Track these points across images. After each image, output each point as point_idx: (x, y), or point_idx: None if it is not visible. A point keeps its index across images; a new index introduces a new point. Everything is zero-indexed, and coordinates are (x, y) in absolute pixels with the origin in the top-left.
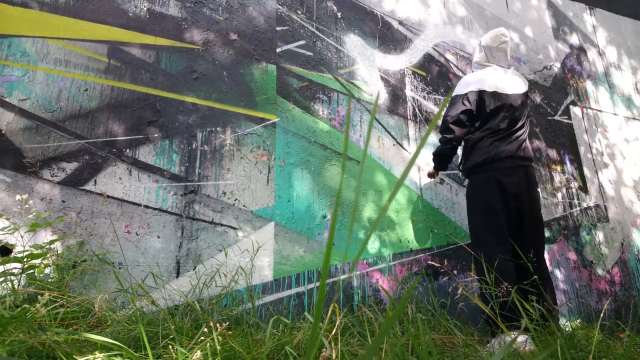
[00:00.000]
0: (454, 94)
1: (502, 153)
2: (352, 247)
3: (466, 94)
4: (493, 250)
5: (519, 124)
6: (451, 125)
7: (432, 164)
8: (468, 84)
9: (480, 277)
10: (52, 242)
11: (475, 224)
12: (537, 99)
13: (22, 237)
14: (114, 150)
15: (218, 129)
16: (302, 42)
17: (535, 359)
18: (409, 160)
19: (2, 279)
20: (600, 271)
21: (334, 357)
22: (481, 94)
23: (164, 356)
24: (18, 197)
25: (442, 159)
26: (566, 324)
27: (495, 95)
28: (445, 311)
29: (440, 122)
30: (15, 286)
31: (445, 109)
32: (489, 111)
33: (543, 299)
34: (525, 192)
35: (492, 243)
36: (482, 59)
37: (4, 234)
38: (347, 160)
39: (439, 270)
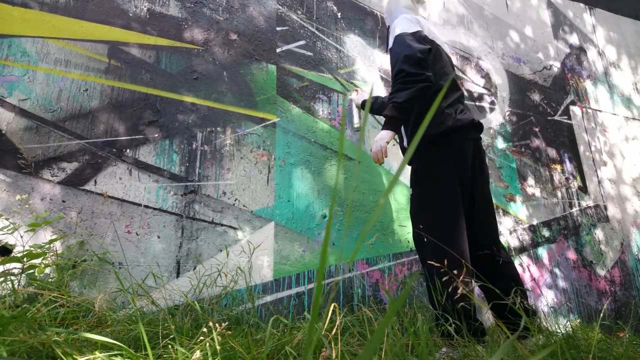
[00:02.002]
0: (398, 31)
1: (457, 122)
2: (351, 247)
3: (418, 32)
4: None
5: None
6: (422, 62)
7: (390, 126)
8: (411, 21)
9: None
10: (51, 241)
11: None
12: (537, 99)
13: (21, 237)
14: (114, 150)
15: (218, 129)
16: (302, 42)
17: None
18: (404, 156)
19: (1, 279)
20: (600, 271)
21: (333, 357)
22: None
23: (164, 356)
24: (18, 197)
25: (410, 106)
26: (567, 323)
27: (439, 50)
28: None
29: (396, 60)
30: (15, 286)
31: (397, 48)
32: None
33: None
34: (478, 170)
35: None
36: (409, 5)
37: (4, 234)
38: (347, 160)
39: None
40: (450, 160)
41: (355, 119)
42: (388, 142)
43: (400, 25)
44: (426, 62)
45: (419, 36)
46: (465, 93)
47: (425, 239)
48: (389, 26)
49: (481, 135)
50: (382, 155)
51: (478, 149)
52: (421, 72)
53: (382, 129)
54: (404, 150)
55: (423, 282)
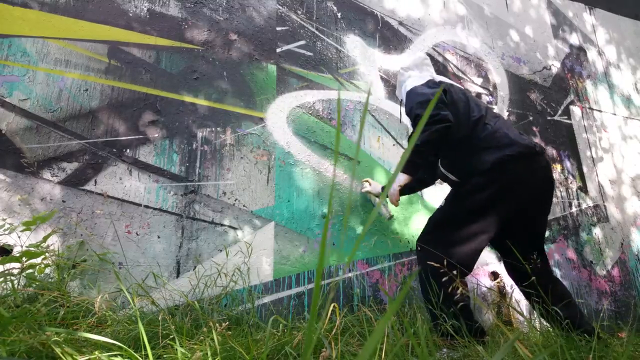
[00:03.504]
0: (409, 87)
1: (508, 151)
2: (351, 247)
3: (430, 80)
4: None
5: None
6: (436, 103)
7: (406, 170)
8: (420, 77)
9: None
10: (45, 238)
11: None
12: (537, 98)
13: (19, 237)
14: (114, 150)
15: (218, 129)
16: (302, 42)
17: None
18: (402, 155)
19: (1, 279)
20: (600, 271)
21: (333, 357)
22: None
23: (164, 356)
24: (18, 197)
25: (427, 149)
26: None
27: (456, 90)
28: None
29: (410, 109)
30: (15, 286)
31: (409, 100)
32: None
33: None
34: (531, 201)
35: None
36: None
37: (2, 234)
38: (346, 160)
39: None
40: (494, 187)
41: (384, 210)
42: (401, 186)
43: (411, 83)
44: (441, 103)
45: (431, 82)
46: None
47: (428, 246)
48: (401, 100)
49: (541, 160)
50: (396, 199)
51: (538, 178)
52: (436, 112)
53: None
54: (451, 183)
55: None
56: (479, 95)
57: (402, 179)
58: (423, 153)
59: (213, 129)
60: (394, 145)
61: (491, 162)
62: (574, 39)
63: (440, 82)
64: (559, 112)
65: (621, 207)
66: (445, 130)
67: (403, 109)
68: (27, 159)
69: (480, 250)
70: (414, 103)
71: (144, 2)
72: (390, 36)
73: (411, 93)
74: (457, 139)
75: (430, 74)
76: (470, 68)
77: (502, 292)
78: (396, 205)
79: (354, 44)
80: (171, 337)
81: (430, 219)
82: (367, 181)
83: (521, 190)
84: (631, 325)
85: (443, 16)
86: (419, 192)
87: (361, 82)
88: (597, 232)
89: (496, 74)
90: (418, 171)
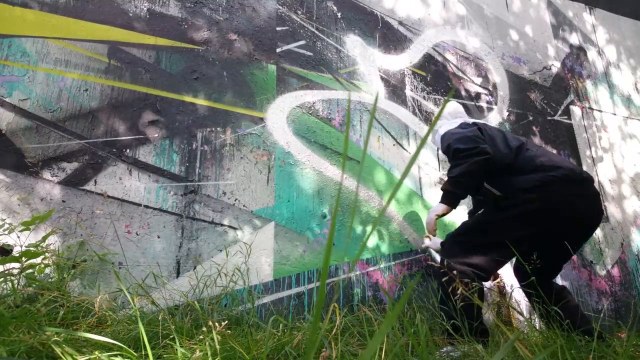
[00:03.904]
0: (443, 131)
1: (546, 179)
2: (351, 247)
3: (462, 122)
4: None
5: None
6: (474, 138)
7: (446, 200)
8: (454, 122)
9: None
10: (44, 237)
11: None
12: (537, 98)
13: (18, 237)
14: (114, 150)
15: (218, 129)
16: (302, 42)
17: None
18: (409, 159)
19: (1, 279)
20: (600, 271)
21: (334, 357)
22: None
23: (164, 356)
24: (18, 197)
25: (466, 180)
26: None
27: (490, 129)
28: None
29: (448, 146)
30: (15, 286)
31: (446, 140)
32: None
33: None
34: (568, 229)
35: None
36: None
37: (2, 234)
38: (347, 160)
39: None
40: (535, 205)
41: (437, 259)
42: (439, 216)
43: (444, 129)
44: (479, 137)
45: (464, 124)
46: (464, 93)
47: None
48: (438, 149)
49: (588, 188)
50: (432, 228)
51: (582, 204)
52: (474, 145)
53: (439, 202)
54: (493, 197)
55: (422, 282)
56: (478, 95)
57: (441, 209)
58: (463, 184)
59: (213, 129)
60: (394, 145)
61: (536, 181)
62: (574, 38)
63: (474, 123)
64: (559, 112)
65: (621, 206)
66: (484, 162)
67: (441, 145)
68: (29, 159)
69: (503, 263)
70: (452, 140)
71: (144, 2)
72: (390, 36)
73: (446, 134)
74: (501, 167)
75: (462, 119)
76: (470, 68)
77: (502, 292)
78: (434, 235)
79: (354, 44)
80: (171, 337)
81: (463, 222)
82: (427, 237)
83: (562, 213)
84: (631, 325)
85: (443, 16)
86: (418, 192)
87: (361, 82)
88: (597, 231)
89: (496, 74)
90: (459, 202)
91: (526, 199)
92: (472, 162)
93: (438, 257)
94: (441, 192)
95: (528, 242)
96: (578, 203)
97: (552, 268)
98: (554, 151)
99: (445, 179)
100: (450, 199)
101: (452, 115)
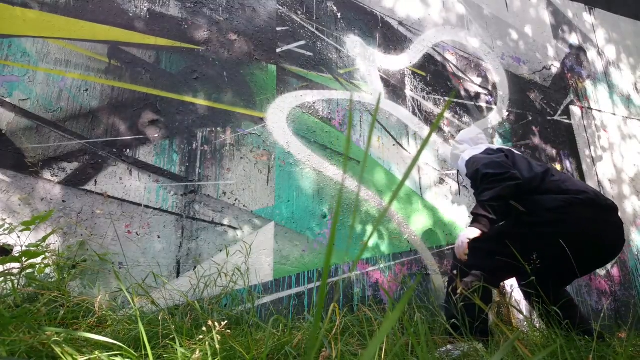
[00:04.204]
0: (467, 157)
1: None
2: (351, 247)
3: (488, 148)
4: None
5: None
6: (502, 164)
7: (477, 223)
8: (477, 148)
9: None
10: (45, 238)
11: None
12: (537, 99)
13: (18, 237)
14: (114, 150)
15: (218, 129)
16: (302, 43)
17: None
18: (412, 160)
19: (1, 279)
20: (600, 271)
21: (333, 357)
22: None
23: (164, 356)
24: (18, 197)
25: (498, 204)
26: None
27: (514, 154)
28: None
29: (476, 171)
30: (15, 286)
31: (473, 165)
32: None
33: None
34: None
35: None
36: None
37: (2, 234)
38: (347, 160)
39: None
40: (558, 225)
41: None
42: (469, 239)
43: (468, 154)
44: (507, 163)
45: (489, 150)
46: (464, 93)
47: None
48: (458, 171)
49: (612, 215)
50: (463, 252)
51: (605, 231)
52: (505, 170)
53: (469, 226)
54: (517, 212)
55: (422, 282)
56: (478, 95)
57: (472, 233)
58: (495, 207)
59: (213, 129)
60: (394, 145)
61: (560, 201)
62: (574, 39)
63: (499, 149)
64: (559, 112)
65: (621, 206)
66: (515, 187)
67: (463, 170)
68: (29, 159)
69: (513, 275)
70: (480, 165)
71: (144, 2)
72: (390, 36)
73: (472, 160)
74: (527, 190)
75: (485, 145)
76: (470, 68)
77: (502, 292)
78: (464, 260)
79: (354, 44)
80: (171, 337)
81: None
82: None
83: (583, 236)
84: (631, 325)
85: (443, 16)
86: (417, 192)
87: (361, 82)
88: None
89: (496, 74)
90: (492, 226)
91: (549, 218)
92: (504, 187)
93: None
94: (471, 216)
95: (543, 260)
96: (600, 228)
97: (562, 281)
98: (554, 151)
99: (474, 204)
100: (482, 222)
101: (474, 141)
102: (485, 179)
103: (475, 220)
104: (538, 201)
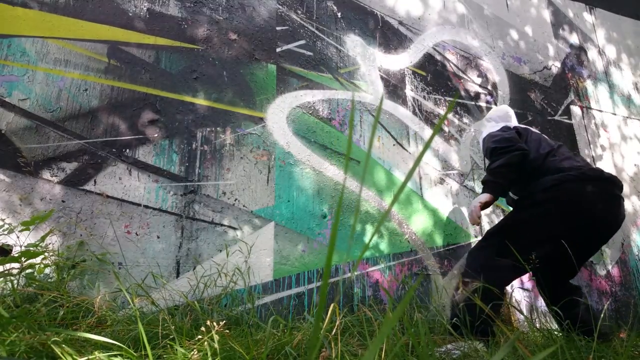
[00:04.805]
0: (486, 133)
1: (566, 175)
2: (351, 247)
3: (505, 125)
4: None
5: None
6: (511, 138)
7: (487, 189)
8: (497, 126)
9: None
10: (43, 237)
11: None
12: (538, 98)
13: (18, 237)
14: (113, 150)
15: (218, 129)
16: (302, 42)
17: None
18: (411, 159)
19: (1, 279)
20: (600, 271)
21: (333, 357)
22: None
23: (164, 356)
24: (18, 197)
25: (505, 171)
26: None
27: (530, 133)
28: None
29: (487, 147)
30: (15, 286)
31: (486, 142)
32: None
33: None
34: (586, 227)
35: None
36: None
37: (1, 234)
38: (348, 160)
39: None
40: (559, 205)
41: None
42: (482, 204)
43: (487, 131)
44: (516, 138)
45: (505, 127)
46: (464, 93)
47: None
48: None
49: (609, 189)
50: (476, 216)
51: (608, 205)
52: (511, 144)
53: (481, 193)
54: (510, 202)
55: (422, 282)
56: (478, 94)
57: (484, 198)
58: (505, 174)
59: (213, 129)
60: (394, 145)
61: (554, 180)
62: (574, 38)
63: (515, 127)
64: (559, 112)
65: None
66: (521, 156)
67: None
68: (25, 158)
69: (522, 268)
70: (490, 142)
71: (144, 2)
72: (390, 36)
73: (487, 136)
74: (528, 171)
75: (504, 123)
76: (470, 68)
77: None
78: (478, 224)
79: (354, 44)
80: (171, 337)
81: (488, 230)
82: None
83: (580, 213)
84: (631, 325)
85: (443, 16)
86: (418, 192)
87: (361, 82)
88: None
89: (496, 74)
90: (501, 191)
91: (544, 197)
92: (511, 155)
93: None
94: (482, 185)
95: (548, 243)
96: (595, 202)
97: (569, 270)
98: None
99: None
100: (492, 188)
101: (502, 119)
102: (495, 151)
103: (485, 186)
104: (533, 185)
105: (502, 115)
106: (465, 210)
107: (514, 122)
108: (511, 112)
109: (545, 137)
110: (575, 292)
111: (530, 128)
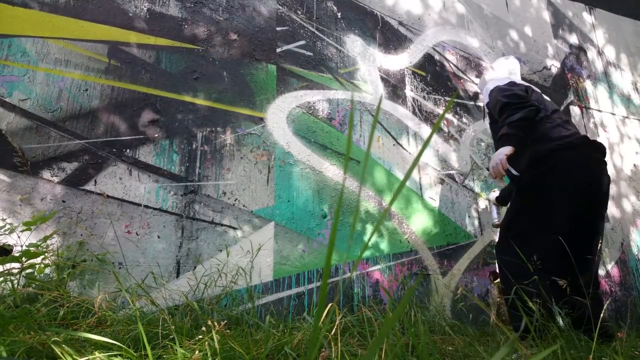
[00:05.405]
0: (491, 86)
1: (562, 141)
2: (351, 247)
3: (511, 81)
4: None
5: None
6: (522, 94)
7: (509, 142)
8: (502, 80)
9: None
10: (45, 238)
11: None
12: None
13: (19, 237)
14: (114, 150)
15: (218, 129)
16: (302, 42)
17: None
18: (411, 159)
19: (1, 279)
20: (600, 271)
21: (333, 357)
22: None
23: (164, 356)
24: (18, 197)
25: (525, 124)
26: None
27: (534, 90)
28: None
29: (496, 101)
30: (15, 286)
31: (492, 96)
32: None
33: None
34: (588, 192)
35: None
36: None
37: (2, 234)
38: (348, 160)
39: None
40: (553, 177)
41: (494, 215)
42: (507, 155)
43: (493, 84)
44: (526, 94)
45: (512, 83)
46: (463, 93)
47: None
48: (485, 105)
49: (578, 153)
50: (501, 168)
51: (593, 170)
52: (524, 100)
53: (499, 148)
54: (512, 178)
55: (422, 282)
56: (478, 94)
57: (508, 150)
58: (525, 128)
59: (213, 129)
60: (394, 145)
61: (543, 151)
62: (574, 38)
63: (520, 83)
64: None
65: (621, 206)
66: (536, 112)
67: (486, 99)
68: (23, 157)
69: (558, 241)
70: (500, 95)
71: (144, 2)
72: (390, 36)
73: (495, 89)
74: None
75: (509, 79)
76: (470, 68)
77: (502, 291)
78: (501, 178)
79: (354, 44)
80: (171, 337)
81: (500, 225)
82: (494, 191)
83: (570, 180)
84: (631, 325)
85: (443, 16)
86: (417, 192)
87: (361, 82)
88: None
89: None
90: (522, 144)
91: (538, 174)
92: (527, 110)
93: (495, 214)
94: (501, 138)
95: (562, 215)
96: (584, 168)
97: (587, 245)
98: None
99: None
100: (514, 140)
101: (509, 72)
102: (508, 106)
103: (507, 139)
104: (526, 158)
105: (510, 69)
106: (465, 210)
107: (518, 77)
108: (518, 67)
109: (545, 97)
110: (596, 286)
111: (532, 86)
